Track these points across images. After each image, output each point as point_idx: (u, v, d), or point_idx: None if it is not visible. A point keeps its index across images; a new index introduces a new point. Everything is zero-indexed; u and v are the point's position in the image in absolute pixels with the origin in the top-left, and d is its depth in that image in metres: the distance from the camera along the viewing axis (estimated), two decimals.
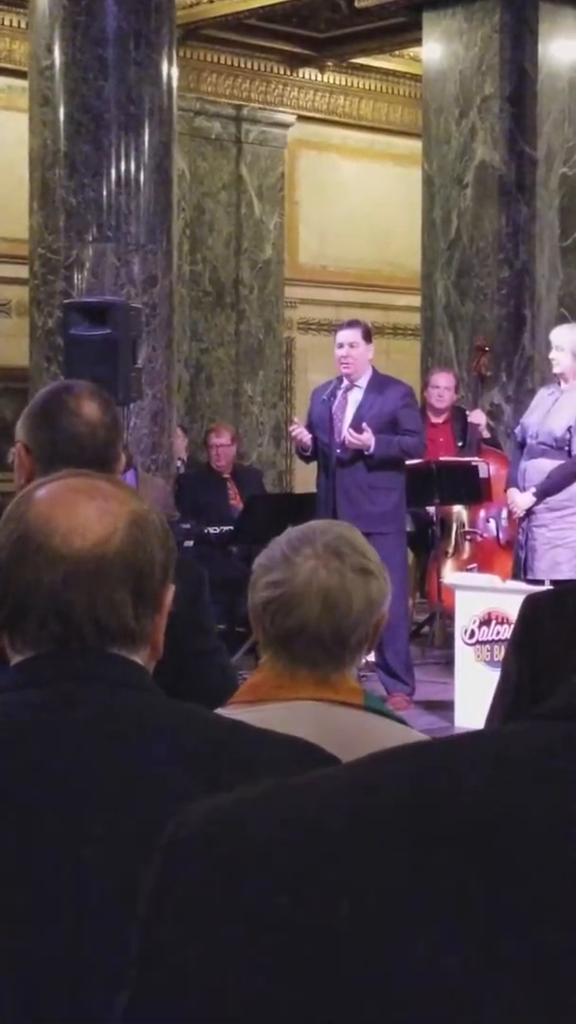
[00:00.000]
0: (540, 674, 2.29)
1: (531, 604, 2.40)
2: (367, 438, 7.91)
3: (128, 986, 0.92)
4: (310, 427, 8.28)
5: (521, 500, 7.85)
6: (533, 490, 7.79)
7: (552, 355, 7.97)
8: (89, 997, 1.42)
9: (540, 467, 7.82)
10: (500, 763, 0.85)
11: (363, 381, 8.16)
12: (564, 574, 7.42)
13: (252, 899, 0.86)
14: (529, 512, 7.82)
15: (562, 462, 7.76)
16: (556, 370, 7.96)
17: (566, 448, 7.76)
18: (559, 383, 7.95)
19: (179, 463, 10.85)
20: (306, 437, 8.19)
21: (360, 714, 2.33)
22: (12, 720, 1.55)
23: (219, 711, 2.33)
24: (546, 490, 7.76)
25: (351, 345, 8.10)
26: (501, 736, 0.93)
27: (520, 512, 7.88)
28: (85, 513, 1.60)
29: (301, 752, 1.57)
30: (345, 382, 8.15)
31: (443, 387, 10.04)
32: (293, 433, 8.46)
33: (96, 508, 1.60)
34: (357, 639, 2.31)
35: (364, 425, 7.96)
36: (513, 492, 7.97)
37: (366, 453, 7.94)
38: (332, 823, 0.87)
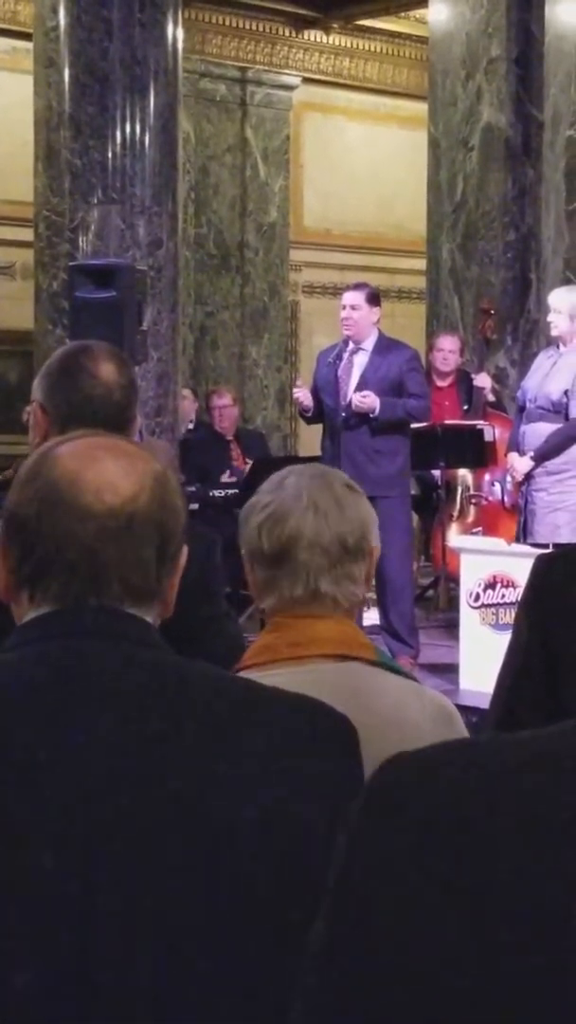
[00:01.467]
0: (551, 634, 2.29)
1: (542, 563, 2.40)
2: (372, 401, 7.91)
3: (319, 934, 0.95)
4: (315, 390, 8.28)
5: (520, 464, 7.85)
6: (531, 454, 7.79)
7: (550, 317, 7.96)
8: (98, 961, 1.42)
9: (538, 431, 7.81)
10: None
11: (369, 344, 8.15)
12: (564, 537, 7.43)
13: (445, 859, 0.90)
14: (528, 476, 7.82)
15: (559, 426, 7.76)
16: (554, 333, 7.94)
17: (563, 412, 7.75)
18: (558, 346, 7.94)
19: (189, 425, 10.85)
20: (307, 398, 8.20)
21: (372, 671, 2.31)
22: (28, 675, 1.55)
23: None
24: (544, 454, 7.76)
25: (353, 307, 8.10)
26: None
27: (519, 476, 7.89)
28: (113, 470, 1.60)
29: (314, 710, 1.57)
30: (351, 345, 8.15)
31: (448, 350, 10.02)
32: (295, 394, 8.48)
33: (122, 465, 1.61)
34: (355, 543, 2.27)
35: (366, 391, 7.96)
36: (513, 456, 7.97)
37: (371, 416, 7.94)
38: (525, 785, 0.91)
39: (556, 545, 7.03)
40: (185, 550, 1.67)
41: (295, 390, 8.64)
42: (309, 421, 8.53)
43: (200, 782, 1.47)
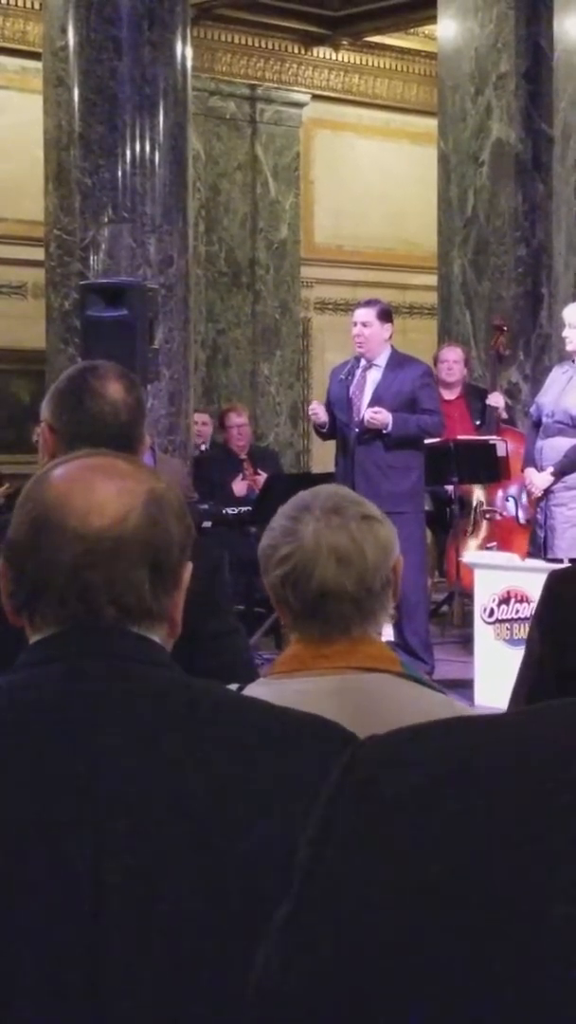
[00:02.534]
0: (564, 649, 2.28)
1: (555, 579, 2.40)
2: (384, 417, 7.91)
3: (289, 903, 0.95)
4: (328, 406, 8.28)
5: (539, 480, 7.83)
6: (551, 469, 7.78)
7: (565, 333, 7.94)
8: (106, 973, 1.43)
9: (557, 446, 7.80)
10: None
11: (381, 360, 8.15)
12: None
13: (409, 839, 0.90)
14: (547, 491, 7.80)
15: None
16: (569, 348, 7.93)
17: None
18: (573, 360, 7.93)
19: (203, 446, 10.85)
20: (323, 413, 8.21)
21: (401, 682, 2.34)
22: (31, 696, 1.55)
23: (258, 682, 2.34)
24: (563, 469, 7.74)
25: (364, 324, 8.10)
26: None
27: (538, 492, 7.86)
28: (102, 492, 1.60)
29: (320, 729, 1.56)
30: (363, 361, 8.15)
31: (452, 361, 10.01)
32: (310, 409, 8.50)
33: (114, 487, 1.60)
34: (380, 584, 2.30)
35: (377, 407, 7.95)
36: (531, 472, 7.95)
37: (384, 432, 7.93)
38: (489, 767, 0.91)
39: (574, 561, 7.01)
40: (189, 567, 1.66)
41: (311, 405, 8.67)
42: (324, 437, 8.54)
43: (209, 802, 1.46)
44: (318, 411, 8.28)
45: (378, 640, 2.37)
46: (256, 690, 2.25)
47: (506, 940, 0.84)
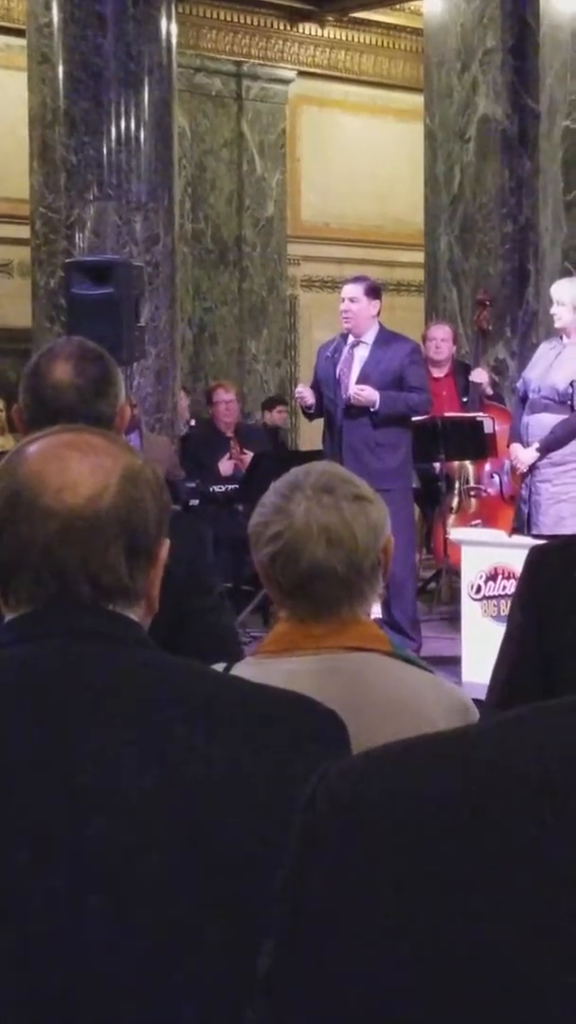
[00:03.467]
0: (545, 626, 2.28)
1: (536, 555, 2.40)
2: (370, 394, 7.89)
3: (275, 936, 0.95)
4: (315, 384, 8.26)
5: (524, 455, 7.83)
6: (536, 445, 7.77)
7: (553, 310, 7.93)
8: (87, 957, 1.42)
9: (543, 422, 7.79)
10: None
11: (369, 337, 8.13)
12: (568, 528, 7.40)
13: (398, 861, 0.89)
14: (532, 467, 7.79)
15: (565, 416, 7.73)
16: (557, 325, 7.91)
17: (569, 402, 7.73)
18: (561, 337, 7.92)
19: (187, 425, 10.84)
20: (310, 396, 8.19)
21: (390, 662, 2.33)
22: (5, 675, 1.54)
23: (246, 662, 2.34)
24: (549, 445, 7.74)
25: (352, 300, 8.08)
26: None
27: (523, 467, 7.86)
28: (77, 469, 1.58)
29: (300, 706, 1.56)
30: (351, 338, 8.13)
31: (439, 339, 10.00)
32: (297, 391, 8.48)
33: (88, 463, 1.59)
34: (370, 565, 2.29)
35: (363, 385, 7.94)
36: (516, 447, 7.95)
37: (371, 409, 7.92)
38: (471, 789, 0.90)
39: (558, 536, 7.01)
40: (166, 545, 1.65)
41: (296, 388, 8.65)
42: (311, 418, 8.52)
43: (187, 784, 1.46)
44: (304, 394, 8.26)
45: (367, 620, 2.36)
46: (244, 670, 2.24)
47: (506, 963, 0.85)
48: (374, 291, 8.16)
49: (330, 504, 2.28)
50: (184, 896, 1.42)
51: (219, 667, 2.20)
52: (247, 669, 2.25)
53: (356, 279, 8.36)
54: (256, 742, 1.50)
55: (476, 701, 2.41)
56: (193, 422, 10.84)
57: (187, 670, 1.59)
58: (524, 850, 0.86)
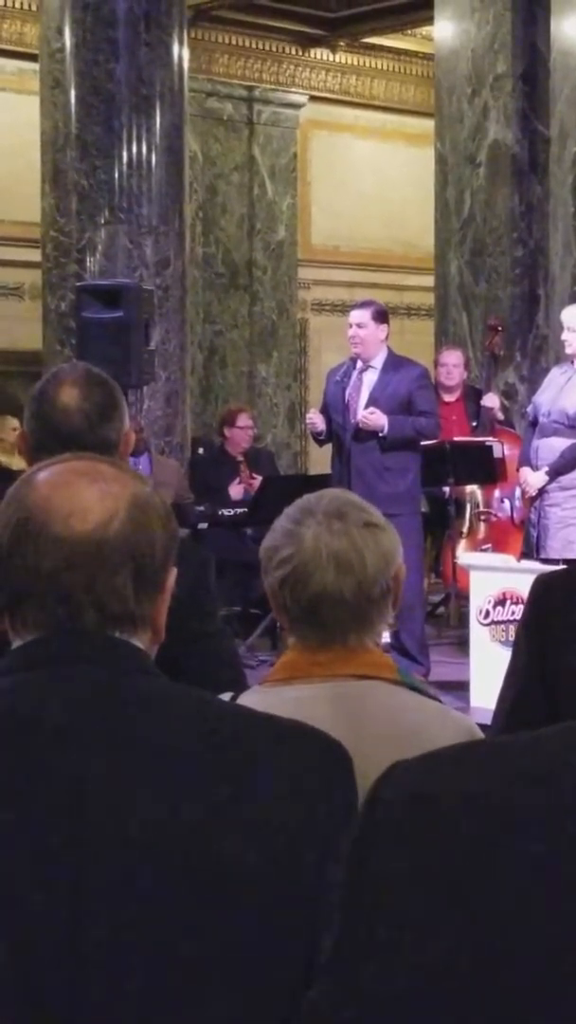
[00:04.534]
0: (550, 653, 2.28)
1: (541, 584, 2.39)
2: (378, 418, 7.89)
3: (332, 951, 0.99)
4: (325, 408, 8.26)
5: (534, 479, 7.83)
6: (546, 469, 7.77)
7: (564, 336, 7.93)
8: (86, 992, 1.41)
9: (553, 446, 7.79)
10: None
11: (378, 362, 8.13)
12: None
13: (454, 864, 0.93)
14: (541, 491, 7.79)
15: (575, 441, 7.73)
16: (569, 351, 7.91)
17: None
18: (572, 362, 7.92)
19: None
20: (320, 422, 8.18)
21: (396, 690, 2.32)
22: (11, 702, 1.54)
23: (253, 690, 2.33)
24: (559, 469, 7.74)
25: (359, 325, 8.08)
26: None
27: (533, 491, 7.86)
28: (86, 496, 1.59)
29: (306, 737, 1.56)
30: (360, 363, 8.13)
31: (451, 364, 10.01)
32: (307, 418, 8.48)
33: (97, 491, 1.59)
34: (379, 593, 2.28)
35: (372, 408, 7.94)
36: (525, 471, 7.95)
37: (380, 434, 7.92)
38: (525, 798, 0.93)
39: (568, 561, 7.01)
40: (174, 573, 1.65)
41: (308, 415, 8.65)
42: (322, 443, 8.52)
43: (194, 815, 1.46)
44: (315, 420, 8.26)
45: (374, 648, 2.34)
46: (250, 698, 2.24)
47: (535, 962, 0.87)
48: (382, 315, 8.16)
49: (341, 530, 2.27)
50: (193, 927, 1.42)
51: (226, 696, 2.20)
52: (254, 697, 2.24)
53: (363, 304, 8.36)
54: (260, 772, 1.50)
55: (484, 727, 2.41)
56: (201, 449, 10.82)
57: (191, 699, 1.59)
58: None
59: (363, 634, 2.30)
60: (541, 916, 0.88)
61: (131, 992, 1.41)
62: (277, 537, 2.31)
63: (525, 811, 0.92)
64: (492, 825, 0.92)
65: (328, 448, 8.54)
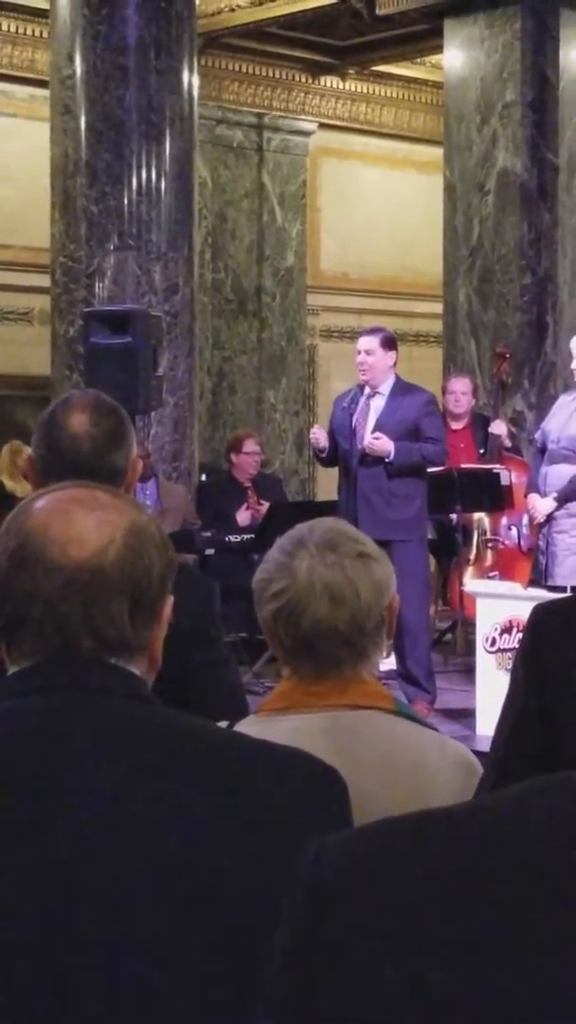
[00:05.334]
0: (547, 683, 2.27)
1: (540, 614, 2.39)
2: (384, 444, 7.89)
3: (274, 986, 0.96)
4: (331, 434, 8.26)
5: (542, 505, 7.82)
6: (554, 495, 7.76)
7: (574, 365, 7.93)
8: (75, 1015, 1.42)
9: (561, 472, 7.78)
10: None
11: (385, 388, 8.13)
12: None
13: (406, 937, 0.89)
14: (549, 518, 7.79)
15: None
16: None
17: None
18: None
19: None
20: (324, 438, 8.18)
21: (393, 720, 2.32)
22: (5, 729, 1.55)
23: (248, 720, 2.33)
24: (567, 495, 7.73)
25: (367, 352, 8.08)
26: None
27: (541, 517, 7.85)
28: (83, 523, 1.59)
29: (301, 764, 1.56)
30: (367, 389, 8.14)
31: (460, 392, 10.03)
32: (312, 433, 8.49)
33: (94, 519, 1.60)
34: (373, 624, 2.27)
35: (378, 433, 7.94)
36: (534, 497, 7.94)
37: (386, 460, 7.92)
38: (476, 863, 0.90)
39: (575, 589, 6.99)
40: (170, 602, 1.65)
41: (312, 429, 8.67)
42: (323, 462, 8.53)
43: (184, 842, 1.46)
44: (319, 435, 8.26)
45: (370, 678, 2.34)
46: (246, 727, 2.23)
47: None
48: (390, 342, 8.16)
49: (334, 562, 2.26)
50: (179, 950, 1.42)
51: (222, 724, 2.20)
52: (250, 727, 2.23)
53: (372, 331, 8.37)
54: (256, 799, 1.50)
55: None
56: (204, 476, 10.81)
57: (186, 725, 1.59)
58: (510, 926, 0.87)
59: (358, 665, 2.29)
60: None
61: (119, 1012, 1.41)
62: (270, 569, 2.30)
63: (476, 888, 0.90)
64: (431, 902, 0.90)
65: (334, 474, 8.53)
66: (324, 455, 8.29)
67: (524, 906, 0.87)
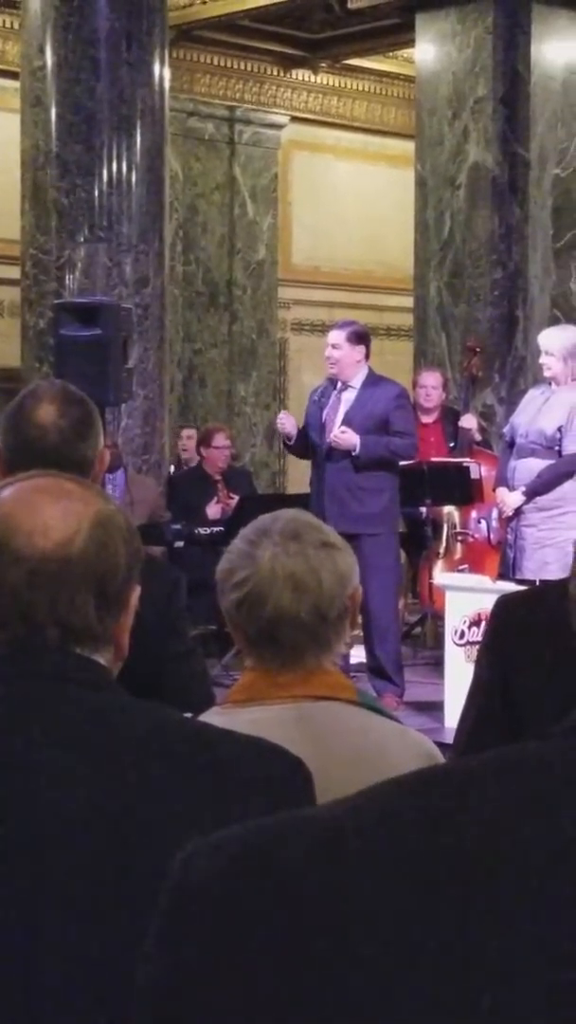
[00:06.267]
0: (510, 674, 2.28)
1: (503, 606, 2.40)
2: (350, 437, 7.88)
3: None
4: (304, 428, 8.26)
5: (511, 499, 7.83)
6: (523, 489, 7.78)
7: (543, 360, 7.93)
8: (41, 1009, 1.42)
9: (530, 466, 7.80)
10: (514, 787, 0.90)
11: (357, 382, 8.13)
12: (553, 574, 7.38)
13: (270, 940, 0.87)
14: (518, 511, 7.80)
15: (552, 461, 7.75)
16: (547, 374, 7.91)
17: (556, 448, 7.74)
18: (549, 383, 7.94)
19: (189, 463, 10.84)
20: (292, 425, 8.18)
21: (356, 711, 2.32)
22: None
23: (212, 712, 2.33)
24: (535, 489, 7.74)
25: (334, 346, 8.07)
26: (515, 761, 0.93)
27: (509, 511, 7.87)
28: (49, 513, 1.59)
29: (266, 753, 1.56)
30: (339, 383, 8.14)
31: (430, 386, 10.04)
32: (279, 418, 8.49)
33: (60, 508, 1.60)
34: (336, 613, 2.28)
35: (344, 427, 7.94)
36: (503, 491, 7.95)
37: (352, 453, 7.92)
38: (343, 859, 0.89)
39: (543, 582, 7.01)
40: (137, 591, 1.66)
41: (279, 415, 8.67)
42: (291, 450, 8.52)
43: (149, 828, 1.46)
44: (285, 421, 8.26)
45: (333, 669, 2.34)
46: (211, 719, 2.22)
47: None
48: (357, 336, 8.13)
49: (297, 551, 2.26)
50: (144, 933, 1.42)
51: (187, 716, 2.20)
52: (213, 719, 2.23)
53: (340, 325, 8.37)
54: (219, 788, 1.50)
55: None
56: (172, 468, 10.83)
57: (151, 715, 1.60)
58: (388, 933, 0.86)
59: (321, 655, 2.29)
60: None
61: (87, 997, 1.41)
62: (233, 559, 2.30)
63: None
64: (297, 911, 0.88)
65: (306, 468, 8.54)
66: (292, 442, 8.28)
67: (383, 918, 0.86)
